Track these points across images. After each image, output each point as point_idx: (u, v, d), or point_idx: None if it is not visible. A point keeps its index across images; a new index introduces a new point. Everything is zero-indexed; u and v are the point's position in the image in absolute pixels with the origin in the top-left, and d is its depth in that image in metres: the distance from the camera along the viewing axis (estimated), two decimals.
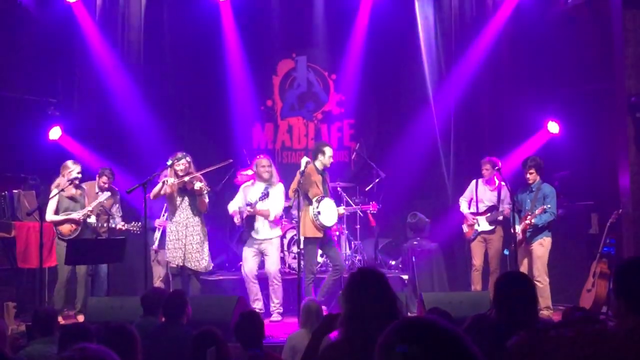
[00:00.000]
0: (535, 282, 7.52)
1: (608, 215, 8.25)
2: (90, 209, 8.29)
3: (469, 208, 8.81)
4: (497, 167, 8.39)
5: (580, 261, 8.99)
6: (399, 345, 1.66)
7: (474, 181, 8.90)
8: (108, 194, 8.46)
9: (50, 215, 8.21)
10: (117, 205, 8.84)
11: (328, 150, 8.22)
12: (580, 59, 9.70)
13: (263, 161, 8.32)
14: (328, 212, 8.02)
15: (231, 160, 8.42)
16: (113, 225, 8.46)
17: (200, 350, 3.80)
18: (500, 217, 8.53)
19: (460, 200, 8.95)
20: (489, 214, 8.60)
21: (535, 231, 8.12)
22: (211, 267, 8.39)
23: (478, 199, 8.74)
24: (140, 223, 8.41)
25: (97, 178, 8.74)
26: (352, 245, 9.96)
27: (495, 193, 8.68)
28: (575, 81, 9.80)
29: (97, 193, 8.50)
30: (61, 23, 10.14)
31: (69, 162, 8.41)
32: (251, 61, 11.22)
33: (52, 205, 8.25)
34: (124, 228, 8.43)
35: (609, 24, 8.40)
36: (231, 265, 10.09)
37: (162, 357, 4.64)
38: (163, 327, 5.07)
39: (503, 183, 8.43)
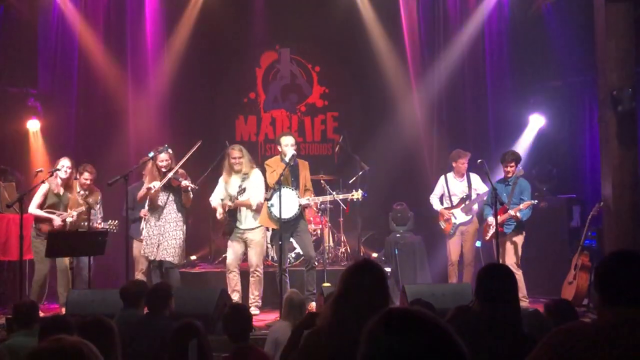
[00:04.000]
0: None
1: (590, 208, 8.31)
2: (74, 214, 8.17)
3: (442, 204, 8.87)
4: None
5: (561, 254, 9.03)
6: (385, 335, 1.65)
7: (442, 177, 8.94)
8: (83, 208, 8.26)
9: (33, 208, 8.13)
10: (99, 206, 8.68)
11: (282, 140, 7.91)
12: (563, 52, 9.75)
13: (234, 152, 8.04)
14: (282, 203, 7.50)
15: (200, 142, 8.16)
16: (92, 225, 8.37)
17: (181, 342, 3.77)
18: (478, 200, 8.63)
19: (431, 199, 8.95)
20: (463, 205, 8.65)
21: (516, 226, 8.17)
22: (183, 263, 8.32)
23: (451, 193, 8.79)
24: (117, 222, 8.34)
25: (77, 176, 8.40)
26: (335, 238, 9.95)
27: (465, 183, 8.76)
28: (557, 74, 9.85)
29: (79, 192, 8.35)
30: (43, 13, 10.04)
31: (63, 158, 8.29)
32: (234, 53, 11.19)
33: (36, 199, 8.16)
34: (99, 227, 8.30)
35: (591, 18, 8.43)
36: (214, 258, 10.06)
37: (143, 349, 4.61)
38: (145, 319, 5.04)
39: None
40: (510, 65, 10.18)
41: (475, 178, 8.77)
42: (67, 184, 8.29)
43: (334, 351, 2.84)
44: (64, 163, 8.21)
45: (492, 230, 8.03)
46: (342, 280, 3.05)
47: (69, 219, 8.16)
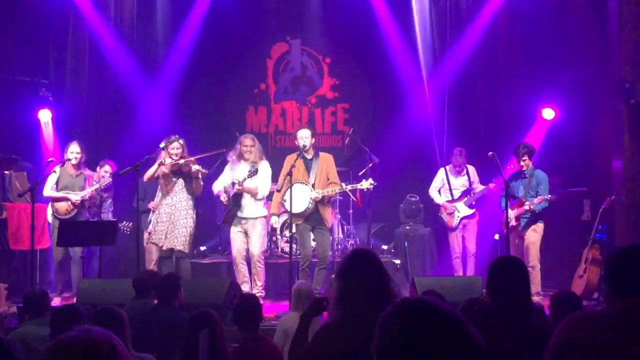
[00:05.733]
0: (528, 267, 7.55)
1: (601, 201, 8.26)
2: (88, 192, 8.25)
3: (441, 196, 8.87)
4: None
5: (572, 247, 9.00)
6: (400, 325, 1.65)
7: (442, 169, 8.95)
8: (109, 180, 8.40)
9: (47, 191, 8.28)
10: (110, 200, 8.82)
11: (297, 133, 8.05)
12: (575, 44, 9.66)
13: (246, 140, 8.03)
14: (293, 198, 7.52)
15: (225, 150, 8.33)
16: (102, 217, 8.47)
17: (195, 332, 3.79)
18: (480, 195, 8.64)
19: (430, 192, 8.96)
20: (466, 198, 8.64)
21: (531, 218, 8.12)
22: (192, 253, 8.43)
23: (451, 187, 8.78)
24: (131, 224, 8.40)
25: (97, 168, 8.76)
26: (345, 230, 9.95)
27: (466, 177, 8.77)
28: (570, 67, 9.78)
29: (94, 183, 8.46)
30: (55, 3, 10.05)
31: (71, 143, 8.45)
32: (245, 44, 11.19)
33: (51, 180, 8.31)
34: None
35: (604, 10, 8.38)
36: (224, 248, 10.08)
37: (154, 340, 4.63)
38: (156, 309, 5.06)
39: (468, 165, 8.79)
40: (522, 57, 10.11)
41: (472, 171, 8.78)
42: (78, 167, 8.46)
43: (347, 345, 2.84)
44: (73, 149, 8.38)
45: (510, 223, 7.96)
46: (339, 278, 3.05)
47: (86, 196, 8.29)
